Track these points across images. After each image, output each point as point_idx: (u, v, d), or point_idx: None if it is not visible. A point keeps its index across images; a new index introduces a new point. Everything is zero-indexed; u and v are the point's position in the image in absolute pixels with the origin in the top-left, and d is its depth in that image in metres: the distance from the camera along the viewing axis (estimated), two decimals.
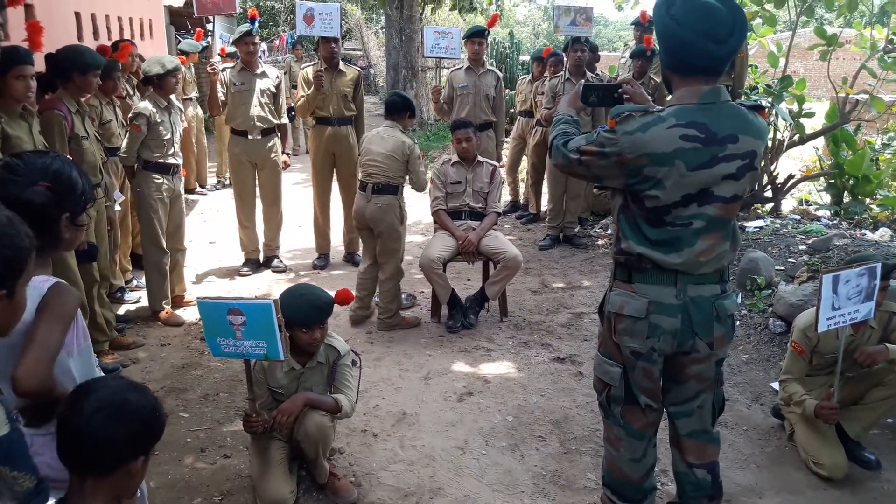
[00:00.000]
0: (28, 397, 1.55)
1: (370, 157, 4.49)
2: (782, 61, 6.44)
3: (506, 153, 7.61)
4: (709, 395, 2.36)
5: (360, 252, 6.08)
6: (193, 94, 8.28)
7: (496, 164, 4.81)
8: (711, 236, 2.15)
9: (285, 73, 7.95)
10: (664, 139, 2.04)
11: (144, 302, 4.87)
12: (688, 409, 2.37)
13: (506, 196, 7.66)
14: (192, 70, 8.39)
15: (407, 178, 4.58)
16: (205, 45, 8.60)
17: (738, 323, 4.52)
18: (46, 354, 1.57)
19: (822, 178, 6.79)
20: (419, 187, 4.63)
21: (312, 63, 5.75)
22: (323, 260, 6.01)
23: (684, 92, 2.12)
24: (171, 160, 4.60)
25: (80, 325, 1.78)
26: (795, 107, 6.27)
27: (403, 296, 5.05)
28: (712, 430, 2.41)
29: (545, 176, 6.91)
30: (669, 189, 2.08)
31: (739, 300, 4.74)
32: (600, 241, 6.63)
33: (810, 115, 6.30)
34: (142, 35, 9.59)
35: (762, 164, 6.25)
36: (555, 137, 2.35)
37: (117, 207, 4.51)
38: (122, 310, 4.87)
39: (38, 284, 1.67)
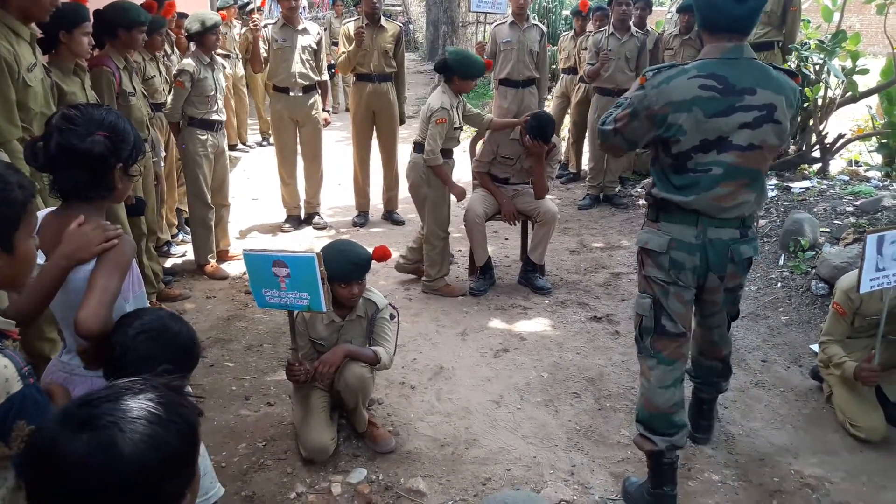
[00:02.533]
0: (89, 339, 1.64)
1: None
2: (836, 15, 6.19)
3: (548, 110, 7.52)
4: (723, 313, 2.71)
5: (399, 210, 6.16)
6: (232, 52, 8.25)
7: (555, 141, 4.60)
8: (731, 184, 2.35)
9: (325, 30, 7.91)
10: (684, 88, 2.28)
11: (190, 256, 5.01)
12: (706, 323, 2.77)
13: None
14: (231, 27, 8.36)
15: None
16: (244, 0, 8.62)
17: (779, 285, 4.47)
18: (106, 299, 1.65)
19: (874, 138, 6.57)
20: (424, 155, 4.29)
21: (354, 19, 5.73)
22: (362, 217, 6.07)
23: (710, 48, 2.35)
24: (215, 116, 4.67)
25: (135, 272, 1.86)
26: (849, 63, 6.04)
27: None
28: (726, 335, 2.82)
29: (587, 134, 6.82)
30: (689, 134, 2.30)
31: (781, 262, 4.68)
32: (641, 202, 6.55)
33: (864, 71, 6.06)
34: None
35: (804, 122, 6.09)
36: (601, 124, 2.57)
37: (161, 164, 4.61)
38: (168, 263, 5.02)
39: None
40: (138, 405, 0.96)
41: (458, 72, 4.28)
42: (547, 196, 4.63)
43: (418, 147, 4.40)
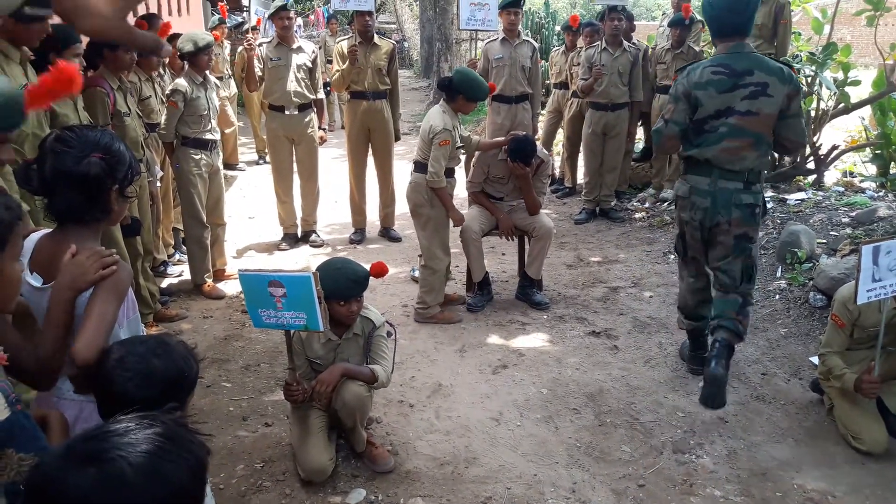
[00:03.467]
0: (86, 369, 1.61)
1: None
2: (827, 28, 6.25)
3: (541, 126, 7.55)
4: (735, 261, 3.38)
5: (396, 227, 6.15)
6: (224, 73, 8.21)
7: (544, 157, 4.56)
8: (735, 140, 3.23)
9: (320, 48, 7.93)
10: (702, 74, 3.26)
11: (187, 276, 4.99)
12: (718, 266, 3.44)
13: None
14: (223, 48, 8.35)
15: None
16: (239, 20, 8.65)
17: (777, 297, 4.46)
18: (103, 328, 1.62)
19: (867, 149, 6.60)
20: (427, 176, 4.18)
21: (347, 37, 5.76)
22: (359, 234, 6.07)
23: (720, 47, 3.31)
24: (209, 136, 4.67)
25: (129, 297, 1.83)
26: (840, 75, 6.09)
27: None
28: (739, 288, 3.41)
29: (581, 149, 6.84)
30: (706, 105, 3.26)
31: (779, 274, 4.68)
32: (638, 215, 6.56)
33: (856, 83, 6.11)
34: (179, 11, 9.68)
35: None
36: (654, 129, 3.57)
37: (157, 183, 4.61)
38: (165, 283, 5.00)
39: None
40: (147, 439, 0.95)
41: (464, 92, 4.17)
42: (543, 211, 4.63)
43: (419, 167, 4.30)
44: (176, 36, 5.27)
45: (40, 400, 1.85)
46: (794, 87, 3.19)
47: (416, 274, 4.96)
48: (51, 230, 1.83)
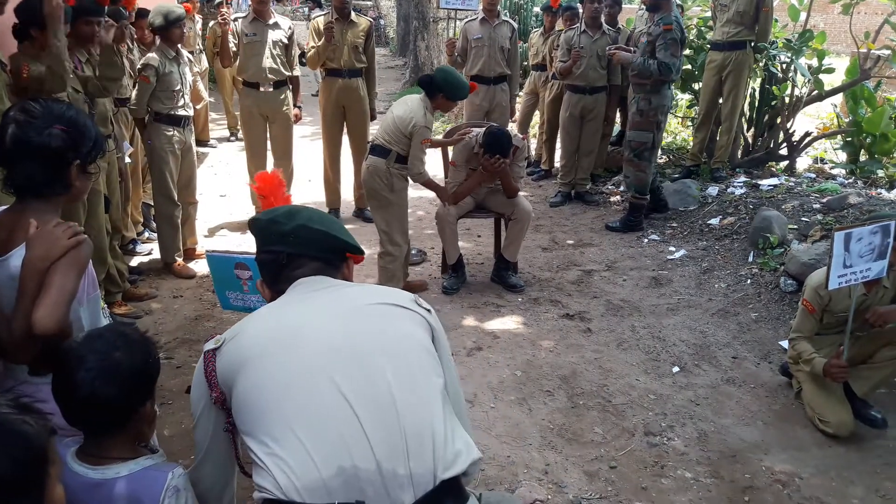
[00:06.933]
0: (46, 340, 1.57)
1: (386, 116, 4.30)
2: (803, 15, 6.28)
3: (518, 107, 7.51)
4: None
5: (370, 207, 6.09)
6: (196, 48, 8.00)
7: (518, 143, 4.48)
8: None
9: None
10: (680, 22, 5.22)
11: (156, 254, 4.91)
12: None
13: None
14: (195, 22, 8.13)
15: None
16: None
17: (748, 282, 4.52)
18: (63, 298, 1.59)
19: (839, 136, 6.68)
20: (411, 173, 4.17)
21: (324, 13, 5.66)
22: (333, 214, 6.00)
23: (665, 6, 5.13)
24: (182, 112, 4.56)
25: (90, 274, 1.79)
26: (815, 62, 6.13)
27: (413, 251, 5.02)
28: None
29: (559, 132, 6.82)
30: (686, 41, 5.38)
31: (751, 258, 4.73)
32: (613, 199, 6.57)
33: (830, 70, 6.16)
34: None
35: (772, 119, 6.18)
36: (659, 68, 5.12)
37: (127, 159, 4.50)
38: (134, 261, 4.91)
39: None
40: None
41: (445, 91, 4.10)
42: (521, 193, 4.61)
43: (378, 150, 4.16)
44: (144, 12, 5.12)
45: None
46: None
47: None
48: (9, 206, 1.78)
